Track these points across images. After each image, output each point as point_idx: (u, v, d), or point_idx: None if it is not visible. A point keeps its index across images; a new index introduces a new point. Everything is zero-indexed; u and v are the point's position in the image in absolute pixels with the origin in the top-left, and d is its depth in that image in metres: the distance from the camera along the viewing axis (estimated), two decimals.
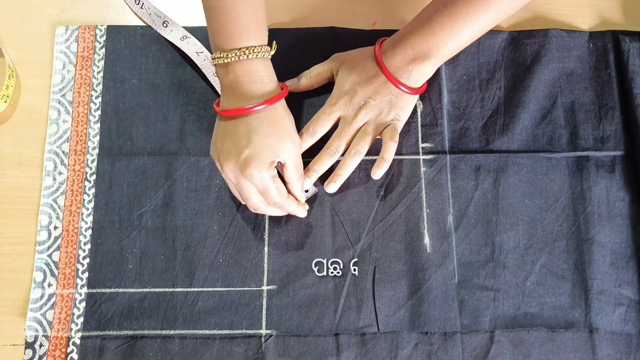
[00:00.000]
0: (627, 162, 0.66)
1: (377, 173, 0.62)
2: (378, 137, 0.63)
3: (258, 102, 0.56)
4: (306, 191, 0.63)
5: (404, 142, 0.66)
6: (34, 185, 0.63)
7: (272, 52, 0.58)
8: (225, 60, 0.56)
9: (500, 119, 0.66)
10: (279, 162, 0.58)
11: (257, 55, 0.56)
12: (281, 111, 0.58)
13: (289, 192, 0.60)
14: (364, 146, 0.62)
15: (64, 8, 0.69)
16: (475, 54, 0.68)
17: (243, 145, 0.55)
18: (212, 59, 0.57)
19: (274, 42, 0.60)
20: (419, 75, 0.62)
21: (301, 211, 0.62)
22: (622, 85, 0.68)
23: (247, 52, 0.55)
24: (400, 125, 0.64)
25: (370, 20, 0.70)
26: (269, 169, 0.56)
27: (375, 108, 0.62)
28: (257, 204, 0.58)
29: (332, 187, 0.63)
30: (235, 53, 0.55)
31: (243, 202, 0.60)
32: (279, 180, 0.58)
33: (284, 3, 0.71)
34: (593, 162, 0.65)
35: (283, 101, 0.59)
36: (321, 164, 0.63)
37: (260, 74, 0.56)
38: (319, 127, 0.63)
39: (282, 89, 0.59)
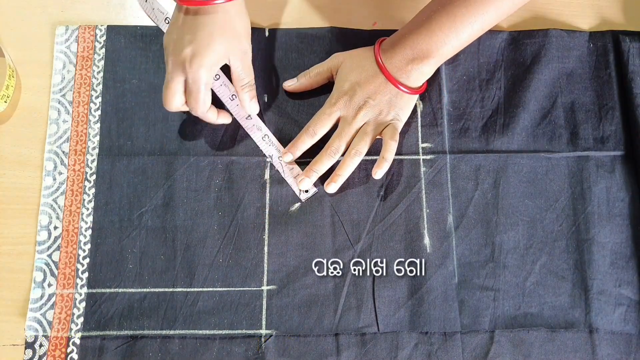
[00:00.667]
0: (627, 162, 0.66)
1: (378, 173, 0.62)
2: (378, 137, 0.63)
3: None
4: (306, 191, 0.63)
5: (403, 142, 0.66)
6: (34, 185, 0.63)
7: None
8: None
9: (500, 119, 0.66)
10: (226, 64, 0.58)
11: None
12: (232, 13, 0.57)
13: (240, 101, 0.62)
14: (363, 146, 0.62)
15: (64, 8, 0.69)
16: (475, 54, 0.68)
17: (187, 41, 0.56)
18: None
19: None
20: (419, 75, 0.62)
21: (215, 118, 0.62)
22: (622, 85, 0.68)
23: None
24: (400, 125, 0.64)
25: (370, 20, 0.70)
26: (208, 71, 0.56)
27: (374, 108, 0.62)
28: (175, 103, 0.58)
29: (332, 187, 0.62)
30: None
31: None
32: (209, 90, 0.58)
33: (284, 3, 0.71)
34: (593, 162, 0.66)
35: (239, 4, 0.58)
36: (321, 164, 0.62)
37: None
38: (318, 128, 0.63)
39: None
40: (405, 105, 0.63)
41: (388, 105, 0.62)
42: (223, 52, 0.57)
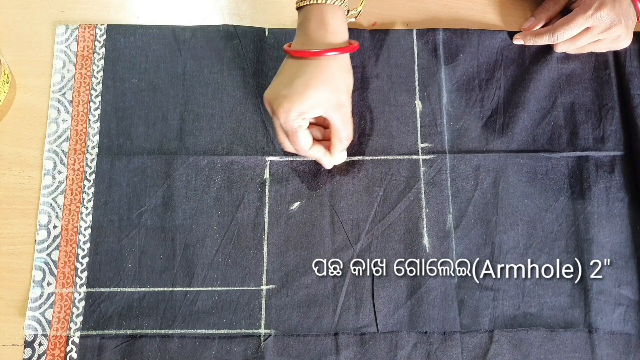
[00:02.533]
0: (626, 162, 0.66)
1: (561, 47, 0.67)
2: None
3: (312, 50, 0.56)
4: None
5: (403, 142, 0.66)
6: (34, 185, 0.63)
7: (348, 8, 0.59)
8: (300, 4, 0.58)
9: (499, 119, 0.66)
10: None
11: (326, 1, 0.57)
12: (334, 68, 0.57)
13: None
14: (573, 42, 0.66)
15: (64, 8, 0.69)
16: (474, 54, 0.68)
17: (284, 85, 0.57)
18: (295, 2, 0.59)
19: (363, 1, 0.63)
20: None
21: (327, 162, 0.62)
22: (621, 86, 0.68)
23: None
24: (615, 45, 0.68)
25: (370, 20, 0.70)
26: (299, 116, 0.56)
27: (620, 29, 0.65)
28: (284, 144, 0.60)
29: (519, 40, 0.68)
30: None
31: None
32: (307, 131, 0.58)
33: (284, 3, 0.71)
34: (593, 162, 0.65)
35: (342, 60, 0.58)
36: (539, 39, 0.67)
37: (325, 22, 0.57)
38: (563, 35, 0.66)
39: (350, 45, 0.59)
40: (631, 34, 0.67)
41: (626, 30, 0.66)
42: (316, 102, 0.56)
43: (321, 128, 0.63)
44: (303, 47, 0.57)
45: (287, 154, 0.64)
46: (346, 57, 0.59)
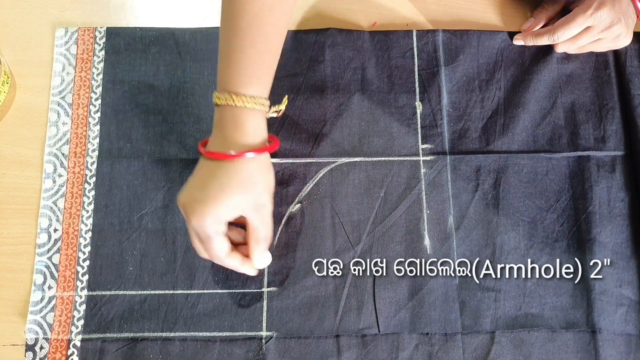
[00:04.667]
0: (627, 162, 0.66)
1: (562, 47, 0.68)
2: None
3: (225, 152, 0.53)
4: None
5: (403, 144, 0.65)
6: (34, 185, 0.63)
7: (272, 112, 0.57)
8: (217, 102, 0.54)
9: (500, 120, 0.66)
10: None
11: (246, 105, 0.53)
12: (252, 169, 0.54)
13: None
14: (573, 41, 0.67)
15: (64, 8, 0.69)
16: (474, 55, 0.68)
17: (198, 188, 0.54)
18: (213, 97, 0.56)
19: (285, 98, 0.60)
20: None
21: (248, 270, 0.58)
22: (621, 86, 0.68)
23: (236, 98, 0.53)
24: (615, 44, 0.68)
25: (370, 20, 0.70)
26: (214, 222, 0.53)
27: (620, 27, 0.65)
28: (199, 250, 0.56)
29: (520, 41, 0.69)
30: (226, 97, 0.54)
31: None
32: (224, 237, 0.55)
33: None
34: (594, 162, 0.65)
35: (261, 160, 0.55)
36: (540, 39, 0.67)
37: (242, 124, 0.54)
38: (563, 35, 0.66)
39: (269, 143, 0.57)
40: (630, 33, 0.67)
41: (626, 29, 0.66)
42: (233, 205, 0.53)
43: (242, 230, 0.59)
44: (219, 147, 0.54)
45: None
46: (265, 156, 0.56)
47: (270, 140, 0.58)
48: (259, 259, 0.57)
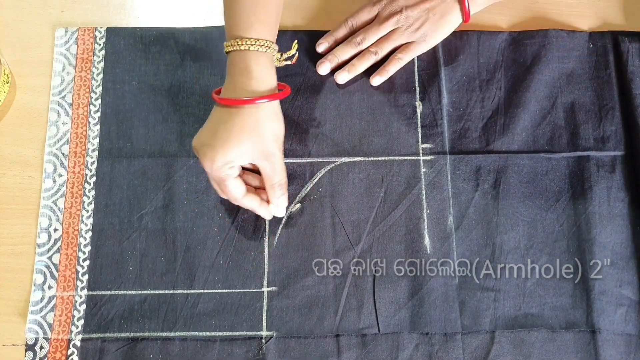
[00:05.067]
0: (627, 162, 0.66)
1: (376, 79, 0.66)
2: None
3: (234, 98, 0.55)
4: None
5: (403, 143, 0.66)
6: (34, 185, 0.63)
7: (284, 59, 0.59)
8: (226, 49, 0.57)
9: (500, 120, 0.66)
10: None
11: (249, 47, 0.55)
12: (258, 116, 0.56)
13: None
14: (382, 49, 0.66)
15: (64, 8, 0.69)
16: (475, 55, 0.68)
17: (208, 134, 0.56)
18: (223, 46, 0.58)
19: (295, 43, 0.61)
20: (471, 2, 0.65)
21: (264, 211, 0.61)
22: (622, 86, 0.68)
23: (240, 42, 0.55)
24: (422, 48, 0.67)
25: None
26: (225, 165, 0.55)
27: (408, 19, 0.65)
28: (217, 190, 0.59)
29: (343, 76, 0.66)
30: (232, 42, 0.56)
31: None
32: (237, 179, 0.57)
33: (284, 4, 0.70)
34: (593, 162, 0.65)
35: (268, 108, 0.57)
36: (343, 52, 0.66)
37: (249, 69, 0.56)
38: (356, 21, 0.67)
39: (279, 90, 0.58)
40: (437, 29, 0.66)
41: (421, 22, 0.65)
42: (239, 152, 0.55)
43: (257, 175, 0.61)
44: (229, 94, 0.56)
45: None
46: (273, 104, 0.57)
47: (281, 88, 0.59)
48: (279, 203, 0.60)
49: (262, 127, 0.56)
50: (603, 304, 0.61)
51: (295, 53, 0.62)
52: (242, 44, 0.55)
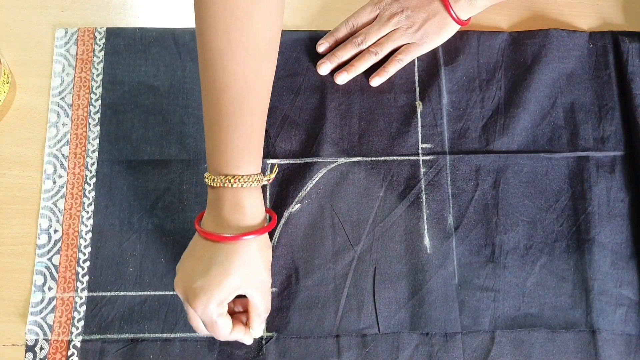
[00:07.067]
0: (627, 162, 0.66)
1: (375, 80, 0.67)
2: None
3: (230, 234, 0.53)
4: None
5: (403, 143, 0.65)
6: (34, 185, 0.63)
7: (265, 181, 0.56)
8: (212, 184, 0.53)
9: (500, 120, 0.66)
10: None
11: (242, 185, 0.52)
12: (252, 248, 0.54)
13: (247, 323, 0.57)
14: (382, 50, 0.66)
15: (64, 8, 0.69)
16: (475, 55, 0.68)
17: (199, 274, 0.52)
18: (204, 177, 0.55)
19: (275, 167, 0.62)
20: (467, 6, 0.65)
21: (248, 339, 0.57)
22: (622, 86, 0.68)
23: (232, 180, 0.52)
24: (423, 49, 0.67)
25: None
26: (218, 306, 0.52)
27: (409, 19, 0.65)
28: (198, 330, 0.55)
29: (343, 76, 0.66)
30: (221, 179, 0.52)
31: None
32: (227, 316, 0.54)
33: (285, 5, 0.70)
34: (593, 163, 0.65)
35: (261, 239, 0.55)
36: (343, 52, 0.66)
37: (241, 205, 0.53)
38: (356, 21, 0.67)
39: (269, 221, 0.56)
40: (439, 31, 0.66)
41: (421, 23, 0.65)
42: (235, 287, 0.52)
43: (236, 300, 0.58)
44: (217, 228, 0.53)
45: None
46: (264, 235, 0.56)
47: (268, 213, 0.58)
48: (259, 330, 0.57)
49: (255, 259, 0.54)
50: (603, 304, 0.62)
51: (273, 176, 0.59)
52: (235, 182, 0.52)
